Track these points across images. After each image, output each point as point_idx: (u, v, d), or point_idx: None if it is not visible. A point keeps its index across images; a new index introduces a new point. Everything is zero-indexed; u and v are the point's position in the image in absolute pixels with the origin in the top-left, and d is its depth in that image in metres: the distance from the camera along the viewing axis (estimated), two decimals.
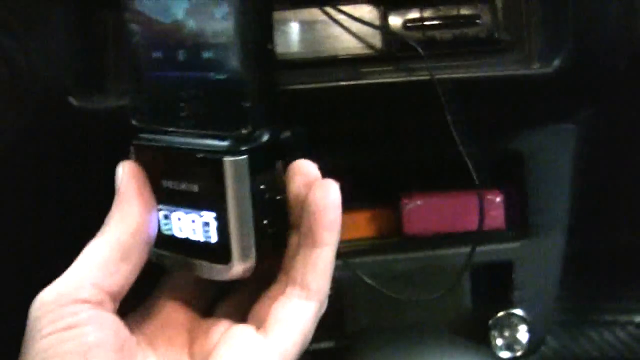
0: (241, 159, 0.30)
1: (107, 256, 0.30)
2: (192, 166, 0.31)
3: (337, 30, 0.41)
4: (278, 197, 0.32)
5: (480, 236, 0.49)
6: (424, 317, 0.51)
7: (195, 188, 0.31)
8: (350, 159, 0.49)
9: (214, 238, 0.31)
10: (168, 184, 0.32)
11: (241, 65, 0.29)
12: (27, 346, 0.29)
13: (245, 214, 0.30)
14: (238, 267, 0.31)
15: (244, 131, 0.30)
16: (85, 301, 0.29)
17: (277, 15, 0.40)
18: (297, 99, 0.40)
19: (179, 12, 0.30)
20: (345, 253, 0.50)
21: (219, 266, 0.32)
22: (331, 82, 0.40)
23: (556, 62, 0.42)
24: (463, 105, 0.44)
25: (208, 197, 0.31)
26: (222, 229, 0.31)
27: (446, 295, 0.48)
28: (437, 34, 0.41)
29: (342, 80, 0.41)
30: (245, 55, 0.29)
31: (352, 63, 0.41)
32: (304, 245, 0.32)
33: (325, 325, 0.50)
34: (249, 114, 0.30)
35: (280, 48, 0.40)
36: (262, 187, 0.31)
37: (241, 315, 0.34)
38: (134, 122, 0.33)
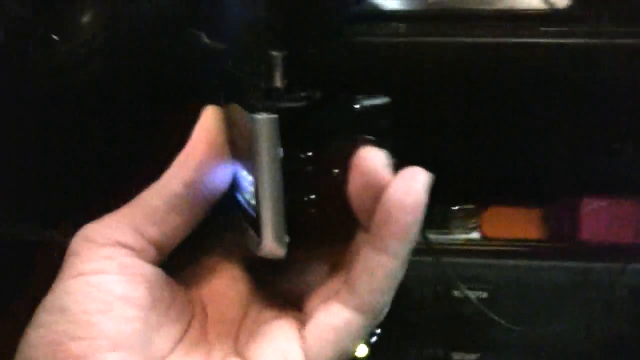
0: (270, 118, 0.26)
1: (155, 204, 0.28)
2: (241, 122, 0.28)
3: None
4: (335, 171, 0.27)
5: None
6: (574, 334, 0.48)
7: (246, 147, 0.27)
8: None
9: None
10: (237, 139, 0.29)
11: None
12: (57, 281, 0.27)
13: (273, 184, 0.26)
14: (267, 244, 0.27)
15: (278, 84, 0.27)
16: (124, 245, 0.28)
17: None
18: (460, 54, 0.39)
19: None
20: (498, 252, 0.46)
21: (257, 239, 0.28)
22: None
23: None
24: None
25: (250, 159, 0.27)
26: (257, 197, 0.27)
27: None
28: None
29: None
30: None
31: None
32: (369, 245, 0.27)
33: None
34: (280, 63, 0.27)
35: None
36: (303, 155, 0.27)
37: (292, 300, 0.30)
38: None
